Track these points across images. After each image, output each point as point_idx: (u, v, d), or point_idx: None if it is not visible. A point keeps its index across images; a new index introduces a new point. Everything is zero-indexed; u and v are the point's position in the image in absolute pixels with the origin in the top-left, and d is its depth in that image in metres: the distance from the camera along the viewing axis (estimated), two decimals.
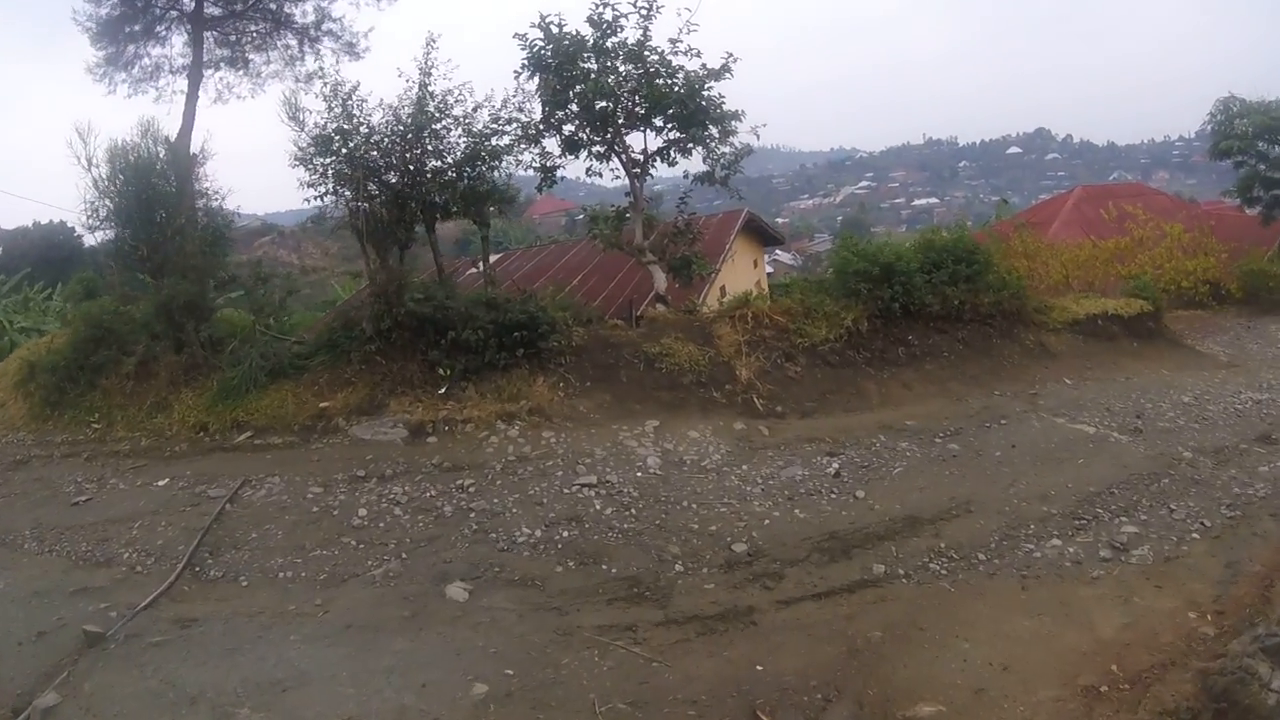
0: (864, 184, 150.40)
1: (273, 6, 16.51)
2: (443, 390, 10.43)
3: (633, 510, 8.07)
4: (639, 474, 8.80)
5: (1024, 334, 13.09)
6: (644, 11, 12.32)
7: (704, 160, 13.35)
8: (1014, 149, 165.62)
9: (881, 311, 11.84)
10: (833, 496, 8.31)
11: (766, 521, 7.84)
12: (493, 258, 25.64)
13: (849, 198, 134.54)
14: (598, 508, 8.12)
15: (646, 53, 12.53)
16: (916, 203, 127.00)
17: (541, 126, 13.14)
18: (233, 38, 16.73)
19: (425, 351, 10.80)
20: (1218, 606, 6.04)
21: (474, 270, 17.64)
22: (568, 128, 13.20)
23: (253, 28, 16.82)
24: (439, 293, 11.10)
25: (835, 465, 8.92)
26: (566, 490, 8.46)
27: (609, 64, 12.60)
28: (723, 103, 12.78)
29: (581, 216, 15.35)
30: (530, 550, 7.48)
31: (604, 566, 7.20)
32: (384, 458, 9.40)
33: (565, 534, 7.68)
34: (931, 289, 12.10)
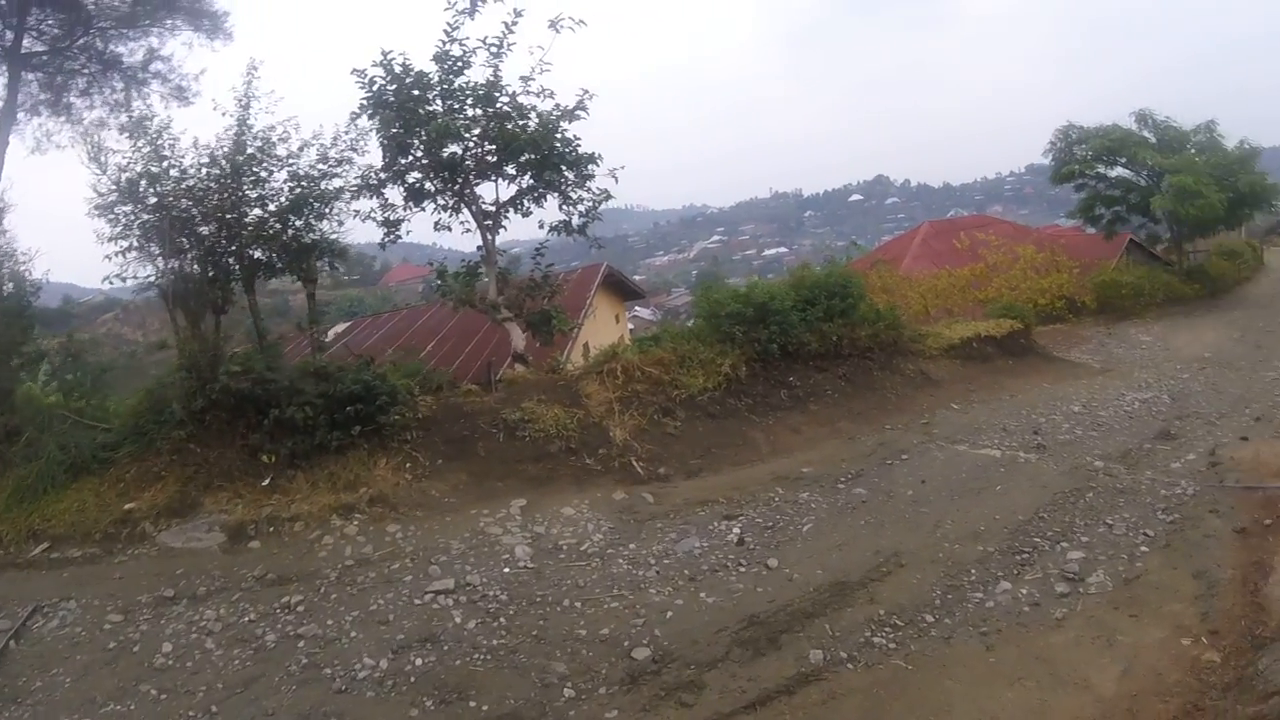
0: (716, 238, 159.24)
1: (99, 45, 15.22)
2: (267, 481, 9.04)
3: (502, 620, 6.73)
4: (506, 570, 7.55)
5: (903, 364, 13.15)
6: (494, 49, 11.65)
7: (560, 208, 12.70)
8: (856, 196, 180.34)
9: (760, 354, 11.50)
10: (742, 570, 7.32)
11: (669, 614, 6.65)
12: (340, 326, 24.67)
13: (702, 252, 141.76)
14: (458, 621, 6.75)
15: (497, 93, 11.84)
16: (767, 253, 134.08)
17: (383, 175, 12.19)
18: (57, 79, 15.33)
19: (245, 435, 9.37)
20: (1209, 626, 5.70)
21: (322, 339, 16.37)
22: (412, 176, 12.30)
23: (79, 68, 15.43)
24: (259, 363, 9.70)
25: (737, 530, 8.08)
26: (418, 601, 7.10)
27: (457, 106, 11.84)
28: (578, 144, 12.18)
29: (429, 269, 14.27)
30: (375, 689, 6.04)
31: (472, 702, 5.81)
32: (197, 570, 7.87)
33: (419, 661, 6.29)
34: (808, 327, 11.94)
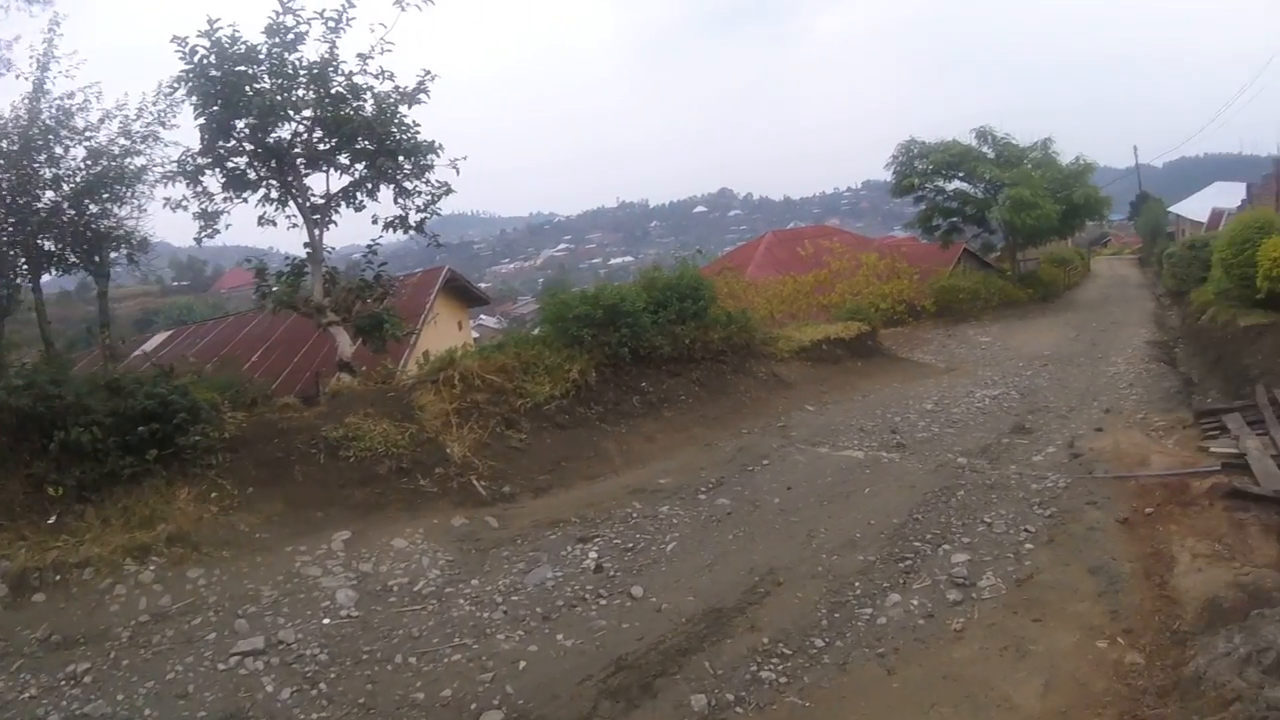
0: (563, 246, 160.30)
1: None
2: (53, 519, 7.66)
3: (322, 686, 5.63)
4: (327, 621, 6.41)
5: (756, 366, 13.26)
6: (332, 23, 10.72)
7: (396, 201, 11.89)
8: (700, 208, 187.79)
9: (610, 359, 11.23)
10: (603, 603, 6.49)
11: (522, 664, 5.71)
12: (161, 335, 22.72)
13: (549, 260, 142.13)
14: (269, 690, 5.61)
15: (332, 72, 10.92)
16: (613, 261, 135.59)
17: (200, 159, 10.94)
18: None
19: (29, 462, 7.87)
20: (1122, 625, 5.47)
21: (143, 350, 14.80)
22: (234, 162, 11.12)
23: None
24: (42, 376, 8.22)
25: (593, 554, 7.34)
26: (222, 665, 5.90)
27: (287, 85, 10.77)
28: (417, 131, 11.43)
29: (247, 266, 13.00)
30: None
31: None
32: None
33: None
34: (660, 329, 11.79)
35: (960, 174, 28.28)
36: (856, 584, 6.47)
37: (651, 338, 11.58)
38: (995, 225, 29.10)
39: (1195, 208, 39.33)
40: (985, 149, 28.38)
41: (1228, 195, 35.35)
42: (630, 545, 7.59)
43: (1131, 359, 17.01)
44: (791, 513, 8.10)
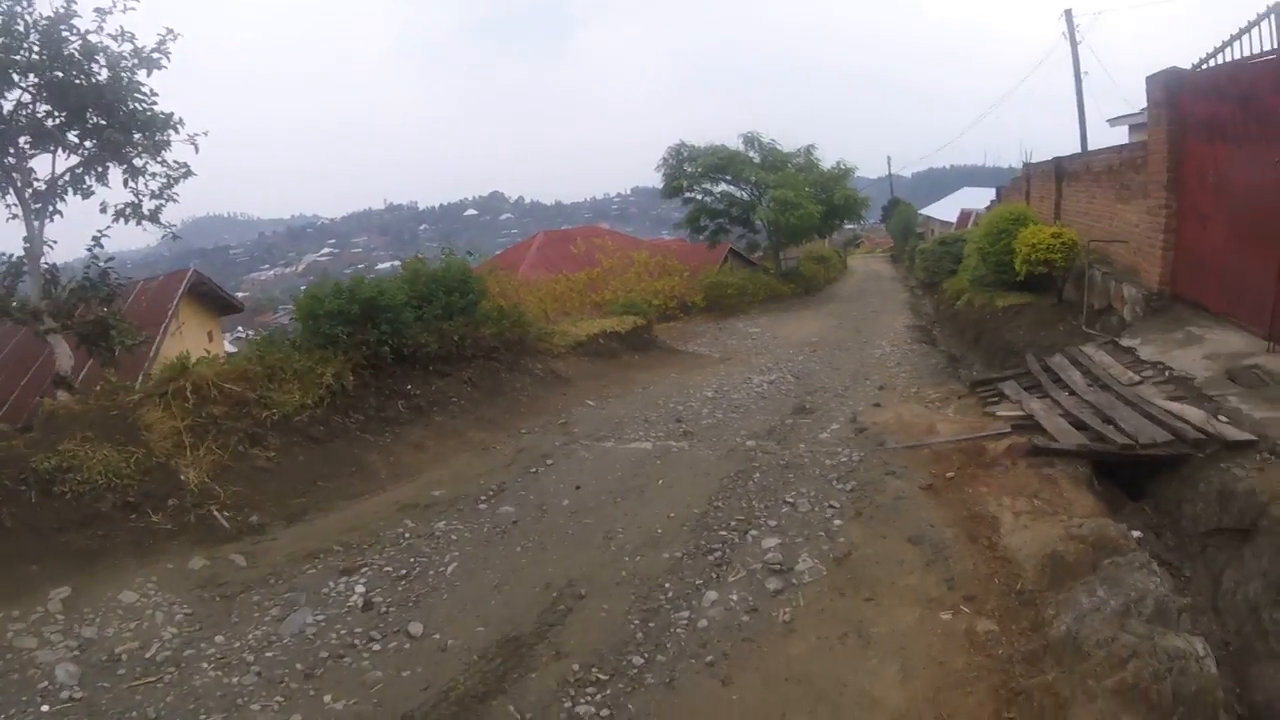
0: (326, 251, 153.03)
1: None
2: None
3: None
4: (46, 708, 5.02)
5: (532, 363, 12.77)
6: None
7: (126, 184, 10.25)
8: (471, 211, 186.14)
9: (369, 360, 10.26)
10: (376, 648, 5.52)
11: None
12: None
13: (312, 265, 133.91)
14: None
15: (64, 30, 9.25)
16: (380, 266, 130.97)
17: None
18: None
19: None
20: (962, 593, 5.24)
21: None
22: None
23: None
24: None
25: (361, 588, 6.36)
26: None
27: (13, 44, 9.00)
28: (155, 101, 9.91)
29: None
30: None
31: None
32: None
33: None
34: (426, 326, 10.98)
35: (728, 177, 29.68)
36: (667, 586, 5.95)
37: (416, 335, 10.74)
38: (760, 225, 30.64)
39: (944, 210, 43.75)
40: (752, 153, 29.90)
41: (975, 198, 38.80)
42: (404, 572, 6.64)
43: (895, 341, 18.35)
44: (584, 514, 7.51)
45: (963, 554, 5.75)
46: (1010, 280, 15.40)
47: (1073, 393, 8.46)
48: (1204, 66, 9.88)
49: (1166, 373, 8.23)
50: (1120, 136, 19.80)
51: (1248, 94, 8.58)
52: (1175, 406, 7.08)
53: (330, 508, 8.26)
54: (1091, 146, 22.61)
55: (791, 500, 7.25)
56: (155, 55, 9.90)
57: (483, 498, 8.11)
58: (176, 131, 10.30)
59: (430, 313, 11.19)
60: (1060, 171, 17.51)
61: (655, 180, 30.22)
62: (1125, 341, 9.68)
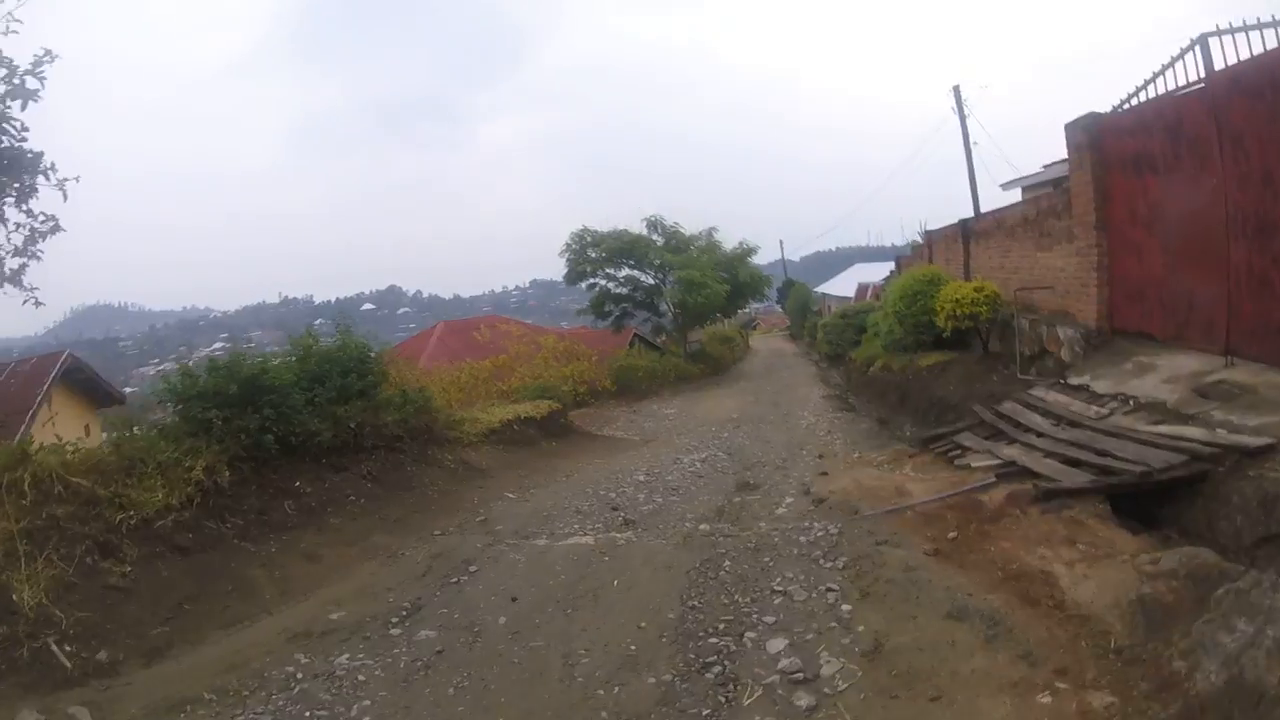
0: (219, 345, 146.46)
1: None
2: None
3: None
4: None
5: (441, 454, 11.18)
6: None
7: None
8: (368, 305, 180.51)
9: (250, 451, 8.47)
10: None
11: None
12: None
13: (203, 360, 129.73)
14: None
15: None
16: (275, 362, 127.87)
17: None
18: None
19: None
20: (1051, 667, 4.10)
21: None
22: None
23: None
24: None
25: None
26: None
27: None
28: (26, 136, 8.33)
29: None
30: None
31: None
32: None
33: None
34: (318, 411, 9.32)
35: (631, 261, 29.15)
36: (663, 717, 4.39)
37: (306, 421, 9.02)
38: (665, 308, 30.04)
39: (840, 286, 45.30)
40: (656, 237, 29.63)
41: (870, 273, 40.51)
42: None
43: (816, 411, 17.85)
44: (530, 634, 5.69)
45: (1026, 621, 4.69)
46: (929, 340, 15.31)
47: (1041, 434, 8.13)
48: (1125, 107, 9.95)
49: (1130, 402, 8.06)
50: (1014, 198, 20.01)
51: (1175, 125, 8.74)
52: (1166, 429, 6.90)
53: (201, 639, 6.32)
54: (984, 210, 22.83)
55: (780, 588, 5.91)
56: (29, 82, 8.23)
57: (395, 619, 6.26)
58: (47, 178, 8.66)
59: (323, 396, 9.56)
60: (967, 232, 17.54)
61: (553, 272, 29.93)
62: (1074, 380, 9.52)
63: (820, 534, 6.97)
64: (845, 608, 5.38)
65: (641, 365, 26.02)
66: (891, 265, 36.05)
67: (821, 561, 6.33)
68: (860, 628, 5.03)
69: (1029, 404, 9.41)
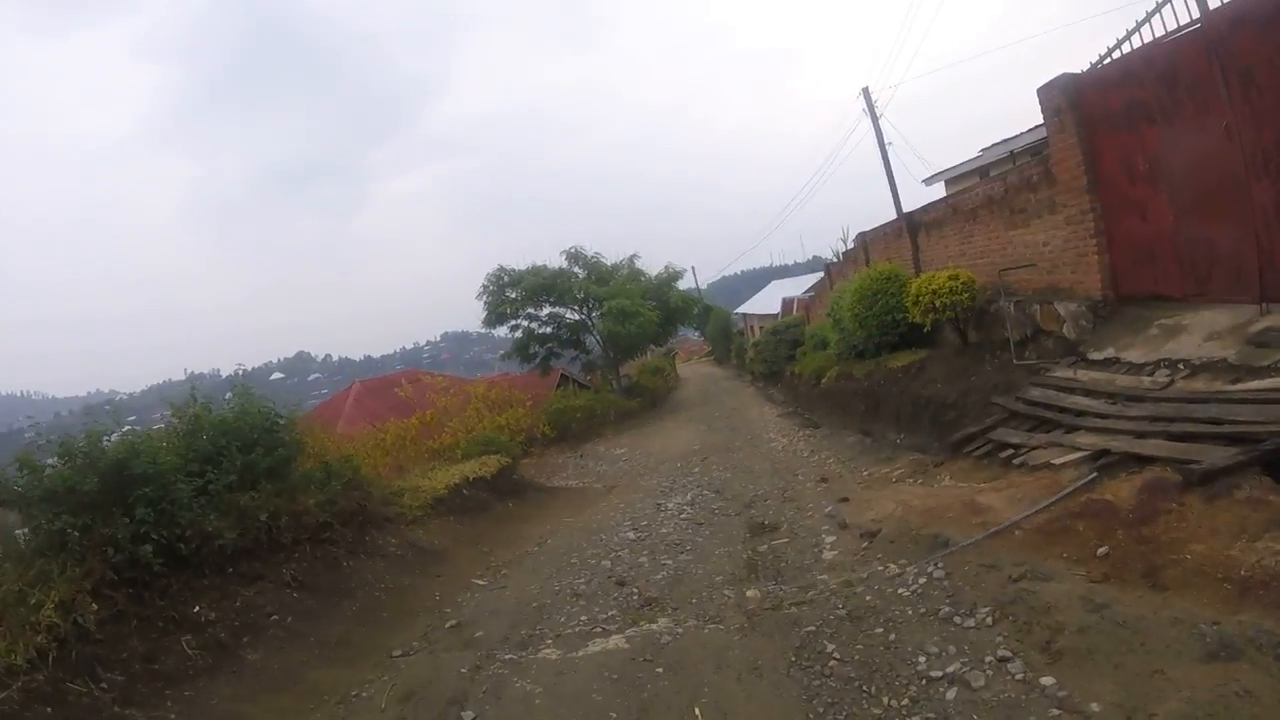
0: (128, 427, 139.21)
1: None
2: None
3: None
4: None
5: (383, 538, 8.70)
6: None
7: None
8: (277, 374, 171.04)
9: (124, 570, 5.89)
10: None
11: None
12: None
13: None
14: None
15: None
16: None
17: None
18: None
19: None
20: None
21: None
22: None
23: None
24: None
25: None
26: None
27: None
28: None
29: None
30: None
31: None
32: None
33: None
34: (214, 503, 6.78)
35: (553, 298, 26.77)
36: None
37: (199, 519, 6.46)
38: (594, 343, 27.92)
39: (761, 304, 44.00)
40: (576, 269, 27.29)
41: (791, 288, 39.92)
42: None
43: (781, 431, 16.36)
44: None
45: None
46: (893, 340, 14.20)
47: (1105, 415, 7.09)
48: (1104, 63, 9.42)
49: (1181, 366, 7.24)
50: (938, 193, 19.04)
51: (1169, 71, 8.09)
52: (1258, 385, 6.10)
53: None
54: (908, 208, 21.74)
55: (936, 672, 4.10)
56: None
57: None
58: None
59: (220, 481, 7.02)
60: (913, 225, 16.18)
61: (465, 324, 27.85)
62: (1095, 355, 8.63)
63: (922, 580, 5.26)
64: (1047, 681, 3.71)
65: (578, 405, 23.62)
66: (814, 278, 35.30)
67: (958, 620, 4.57)
68: (1095, 706, 3.40)
69: (1062, 387, 8.30)
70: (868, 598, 5.22)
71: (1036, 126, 15.12)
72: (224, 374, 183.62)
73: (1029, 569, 4.91)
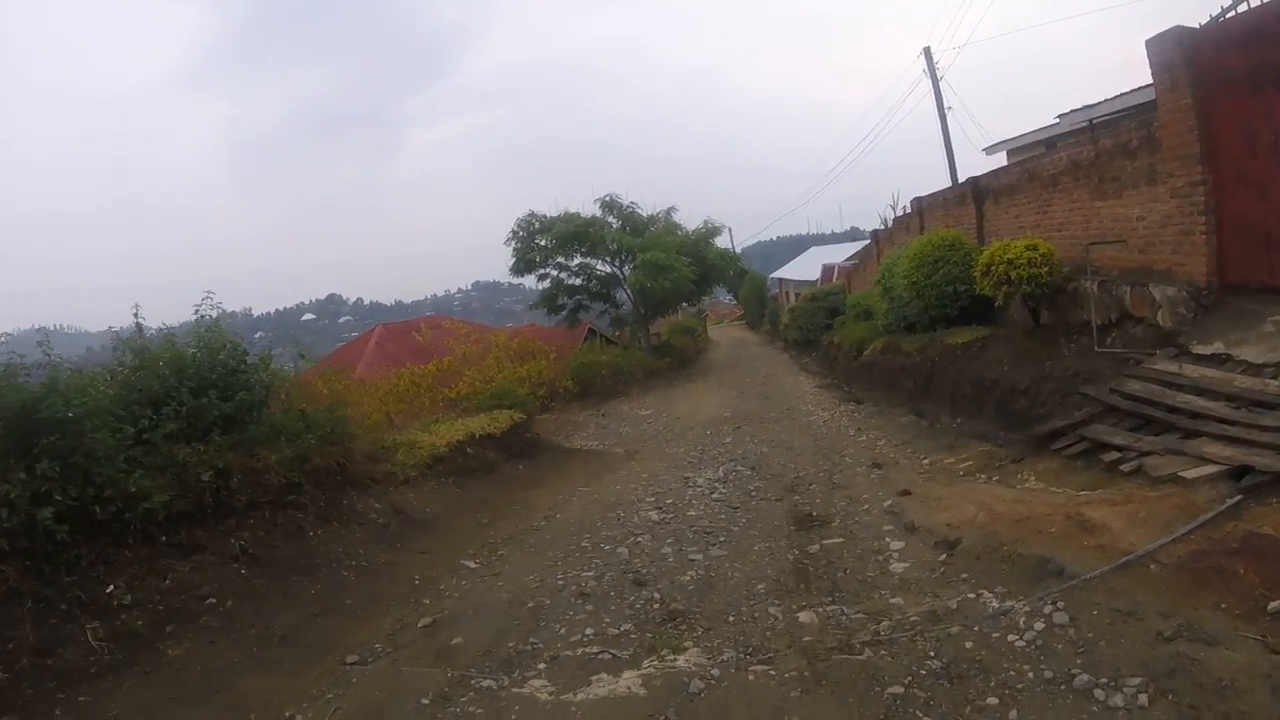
0: (60, 361, 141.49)
1: None
2: None
3: None
4: None
5: (364, 502, 7.44)
6: None
7: None
8: (309, 315, 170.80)
9: (17, 538, 4.58)
10: None
11: None
12: None
13: None
14: None
15: None
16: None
17: None
18: None
19: None
20: None
21: None
22: None
23: None
24: None
25: None
26: None
27: None
28: None
29: None
30: None
31: None
32: None
33: None
34: (151, 455, 5.50)
35: (584, 248, 24.90)
36: None
37: (121, 474, 5.15)
38: (624, 298, 26.27)
39: (799, 270, 42.16)
40: (610, 219, 25.29)
41: (832, 254, 37.90)
42: None
43: (820, 404, 14.85)
44: None
45: None
46: (951, 314, 12.69)
47: (1228, 421, 5.92)
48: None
49: None
50: (998, 163, 17.52)
51: None
52: None
53: None
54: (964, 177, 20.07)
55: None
56: None
57: None
58: None
59: (160, 431, 5.73)
60: (979, 190, 14.43)
61: (496, 274, 26.08)
62: (1200, 349, 7.33)
63: (1039, 624, 3.95)
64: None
65: (604, 361, 22.06)
66: (855, 246, 33.47)
67: (1100, 695, 3.29)
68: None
69: (1166, 382, 7.05)
70: (967, 643, 3.86)
71: (1121, 94, 13.68)
72: (256, 313, 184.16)
73: (1183, 624, 3.61)
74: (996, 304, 11.36)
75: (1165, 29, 8.26)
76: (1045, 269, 10.27)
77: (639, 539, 6.81)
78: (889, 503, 6.98)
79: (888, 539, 6.03)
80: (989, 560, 4.96)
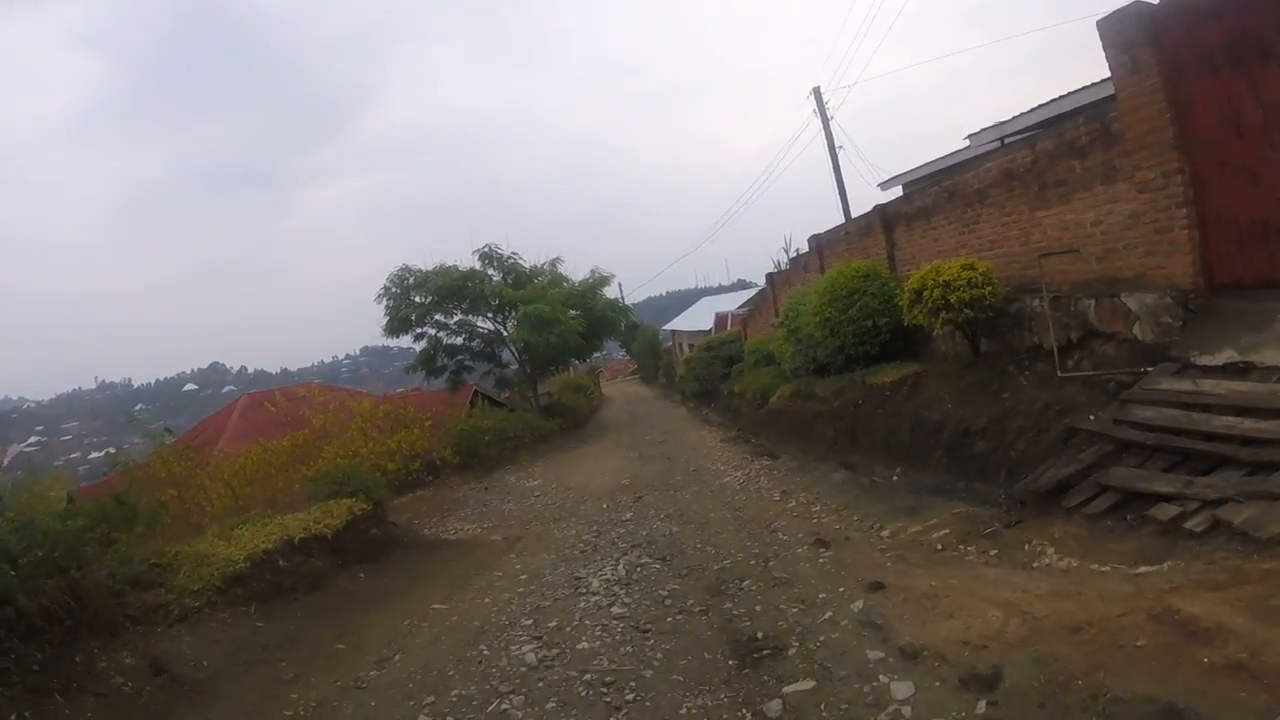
0: (34, 439, 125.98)
1: None
2: None
3: None
4: None
5: (108, 657, 4.81)
6: None
7: None
8: (190, 385, 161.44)
9: None
10: None
11: None
12: None
13: (18, 458, 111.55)
14: None
15: None
16: (93, 455, 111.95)
17: None
18: None
19: None
20: None
21: None
22: None
23: None
24: None
25: None
26: None
27: None
28: None
29: None
30: None
31: None
32: None
33: None
34: None
35: (464, 304, 22.41)
36: None
37: None
38: (510, 356, 23.82)
39: (692, 321, 41.62)
40: (491, 271, 22.96)
41: (724, 303, 37.58)
42: None
43: (734, 462, 12.55)
44: None
45: None
46: (870, 351, 11.31)
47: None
48: None
49: None
50: (893, 197, 16.31)
51: None
52: None
53: None
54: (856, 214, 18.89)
55: None
56: None
57: None
58: None
59: None
60: (888, 218, 12.90)
61: (385, 338, 22.82)
62: (1206, 360, 6.15)
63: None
64: None
65: (488, 426, 19.28)
66: (747, 294, 32.40)
67: None
68: None
69: (1185, 404, 5.75)
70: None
71: (1035, 108, 12.67)
72: (135, 383, 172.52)
73: None
74: (935, 334, 9.65)
75: (1119, 8, 7.24)
76: (989, 289, 8.68)
77: (506, 702, 4.36)
78: (859, 605, 4.82)
79: (881, 676, 3.83)
80: (1062, 712, 2.85)
